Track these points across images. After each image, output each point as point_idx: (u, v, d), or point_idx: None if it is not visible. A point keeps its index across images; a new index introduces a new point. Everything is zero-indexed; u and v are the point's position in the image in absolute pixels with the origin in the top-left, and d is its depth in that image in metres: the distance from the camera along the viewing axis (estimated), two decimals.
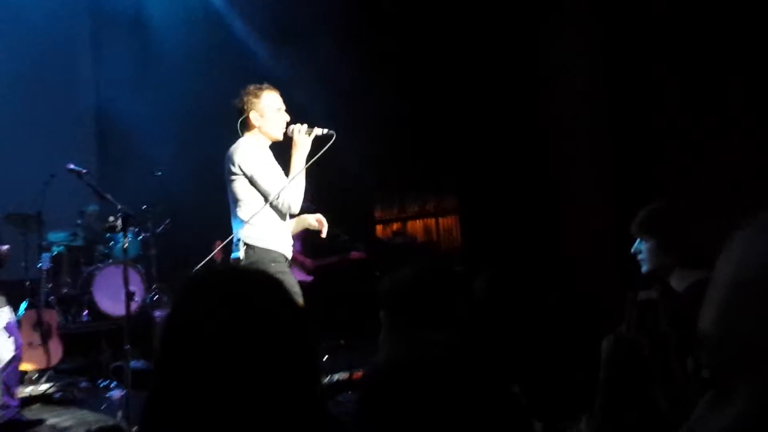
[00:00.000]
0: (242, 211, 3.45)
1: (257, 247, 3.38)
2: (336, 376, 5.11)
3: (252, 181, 3.41)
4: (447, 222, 7.60)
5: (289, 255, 3.53)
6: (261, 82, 3.62)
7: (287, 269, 3.46)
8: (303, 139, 3.48)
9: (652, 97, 5.09)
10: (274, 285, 1.14)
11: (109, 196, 4.88)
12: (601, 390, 1.75)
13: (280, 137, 3.55)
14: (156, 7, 7.96)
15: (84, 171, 4.96)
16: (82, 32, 9.02)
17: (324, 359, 5.46)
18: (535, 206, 5.99)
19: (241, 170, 3.41)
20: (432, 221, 7.73)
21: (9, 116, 7.78)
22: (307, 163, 3.50)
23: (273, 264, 3.35)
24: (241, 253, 3.39)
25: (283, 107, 3.58)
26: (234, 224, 3.49)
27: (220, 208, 7.17)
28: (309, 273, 6.14)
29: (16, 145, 7.64)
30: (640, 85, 5.18)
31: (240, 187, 3.44)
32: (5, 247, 4.69)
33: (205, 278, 1.15)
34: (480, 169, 6.51)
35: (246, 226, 3.42)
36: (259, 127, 3.52)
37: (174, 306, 1.12)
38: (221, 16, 7.66)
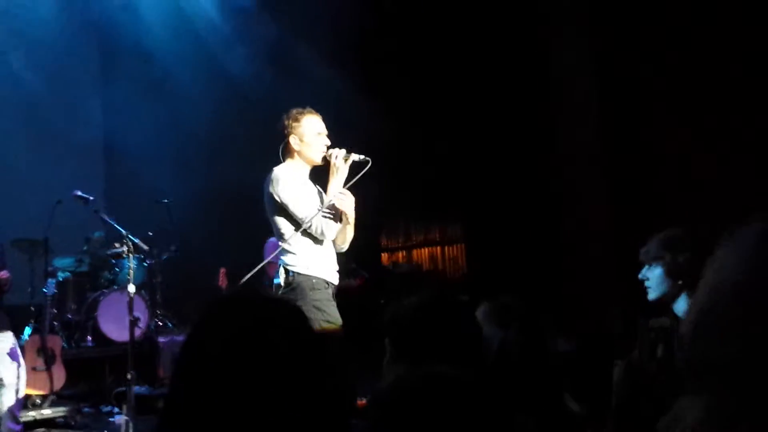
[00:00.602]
0: (282, 239, 3.42)
1: (298, 274, 3.34)
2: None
3: (286, 210, 3.38)
4: (452, 250, 7.59)
5: (334, 280, 3.46)
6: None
7: (328, 296, 3.38)
8: (341, 164, 3.44)
9: (654, 120, 5.13)
10: (291, 311, 1.14)
11: (114, 223, 4.90)
12: (613, 416, 1.74)
13: (320, 162, 3.51)
14: (160, 38, 8.07)
15: (90, 198, 4.99)
16: (91, 63, 9.18)
17: None
18: (542, 234, 5.99)
19: (275, 199, 3.39)
20: (437, 249, 7.72)
21: (18, 144, 7.87)
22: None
23: (311, 291, 3.30)
24: (281, 279, 3.38)
25: (325, 131, 3.54)
26: (280, 251, 3.46)
27: (226, 236, 7.25)
28: None
29: (25, 172, 7.72)
30: (644, 109, 5.22)
31: (277, 215, 3.42)
32: (4, 272, 4.68)
33: (220, 304, 1.16)
34: (485, 197, 6.52)
35: (287, 253, 3.39)
36: (298, 152, 3.50)
37: (190, 331, 1.13)
38: (225, 44, 7.76)
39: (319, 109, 3.76)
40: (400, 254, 8.00)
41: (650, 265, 2.39)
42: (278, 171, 3.44)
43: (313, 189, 3.55)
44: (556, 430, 1.87)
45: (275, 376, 1.02)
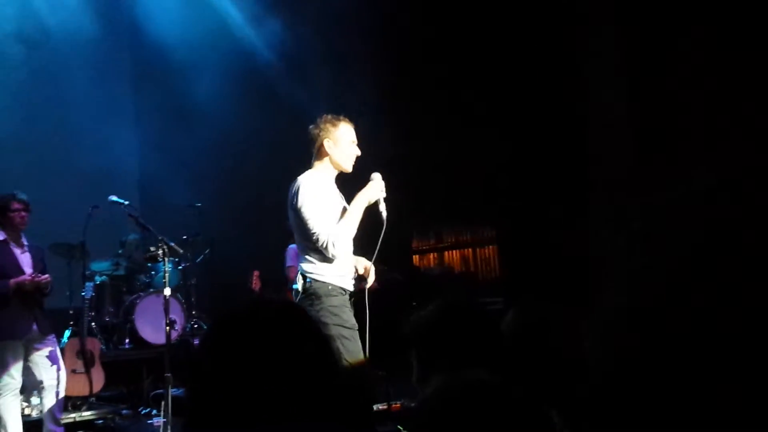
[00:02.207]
0: (300, 245, 3.50)
1: (314, 281, 3.40)
2: (375, 407, 5.08)
3: (303, 220, 3.41)
4: (485, 252, 7.56)
5: (349, 287, 3.52)
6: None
7: (344, 301, 3.43)
8: (374, 190, 3.50)
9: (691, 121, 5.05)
10: (299, 317, 1.18)
11: (150, 227, 4.96)
12: None
13: (349, 169, 3.57)
14: (188, 44, 8.20)
15: (126, 202, 5.06)
16: (123, 75, 9.37)
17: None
18: (576, 234, 5.93)
19: (296, 208, 3.43)
20: (469, 251, 7.70)
21: (57, 152, 8.06)
22: (376, 245, 3.53)
23: (327, 297, 3.36)
24: (299, 285, 3.45)
25: (356, 141, 3.59)
26: (299, 256, 3.54)
27: (258, 239, 7.31)
28: None
29: (62, 179, 7.89)
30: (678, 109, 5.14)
31: (297, 223, 3.47)
32: (46, 276, 4.80)
33: (232, 312, 1.20)
34: (518, 197, 6.48)
35: (305, 261, 3.46)
36: (330, 156, 3.53)
37: (203, 339, 1.19)
38: (255, 55, 7.86)
39: (352, 109, 3.83)
40: (431, 256, 7.99)
41: None
42: (302, 180, 3.47)
43: (336, 196, 3.58)
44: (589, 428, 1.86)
45: (280, 376, 1.07)
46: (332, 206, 3.51)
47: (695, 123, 5.00)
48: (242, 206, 7.74)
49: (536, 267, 6.12)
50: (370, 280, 3.64)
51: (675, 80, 5.09)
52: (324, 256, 3.42)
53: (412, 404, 5.08)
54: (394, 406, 5.02)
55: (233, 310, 1.19)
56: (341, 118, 3.57)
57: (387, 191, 3.57)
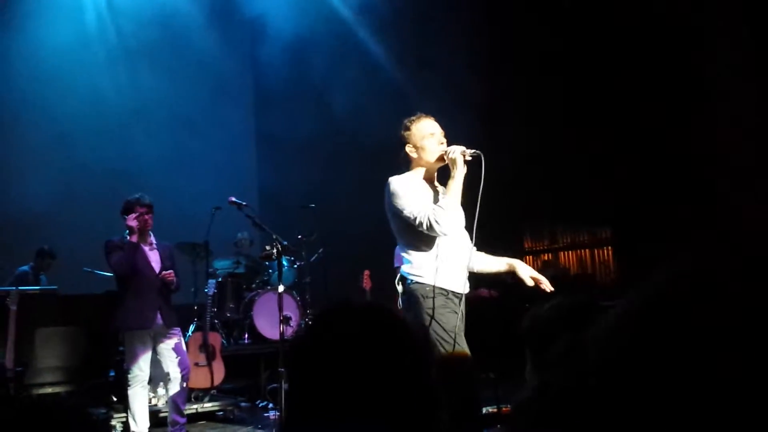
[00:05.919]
0: (401, 247, 3.48)
1: (413, 282, 3.36)
2: (484, 410, 5.01)
3: (400, 216, 3.38)
4: (602, 253, 7.27)
5: (456, 289, 3.39)
6: (412, 112, 3.63)
7: (444, 303, 3.32)
8: (458, 158, 3.38)
9: None
10: (389, 317, 1.18)
11: (265, 227, 5.12)
12: None
13: (434, 159, 3.48)
14: (309, 35, 8.43)
15: (244, 203, 5.23)
16: (246, 85, 9.81)
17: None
18: (697, 235, 5.60)
19: (392, 208, 3.42)
20: (586, 252, 7.43)
21: (182, 158, 8.56)
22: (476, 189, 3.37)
23: (424, 299, 3.29)
24: (399, 287, 3.43)
25: (438, 131, 3.52)
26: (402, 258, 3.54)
27: (370, 239, 7.40)
28: None
29: (186, 183, 8.33)
30: None
31: (394, 224, 3.47)
32: (170, 272, 5.08)
33: (326, 312, 1.21)
34: (636, 196, 6.20)
35: (406, 261, 3.43)
36: (416, 159, 3.52)
37: (299, 337, 1.22)
38: (364, 48, 7.97)
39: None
40: (546, 257, 7.78)
41: None
42: (392, 180, 3.46)
43: (430, 192, 3.50)
44: None
45: (373, 373, 1.08)
46: (428, 197, 3.45)
47: None
48: (354, 206, 7.87)
49: (656, 268, 5.83)
50: (546, 286, 3.57)
51: None
52: (425, 257, 3.36)
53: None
54: (504, 409, 4.93)
55: (323, 315, 1.21)
56: (413, 118, 3.53)
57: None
